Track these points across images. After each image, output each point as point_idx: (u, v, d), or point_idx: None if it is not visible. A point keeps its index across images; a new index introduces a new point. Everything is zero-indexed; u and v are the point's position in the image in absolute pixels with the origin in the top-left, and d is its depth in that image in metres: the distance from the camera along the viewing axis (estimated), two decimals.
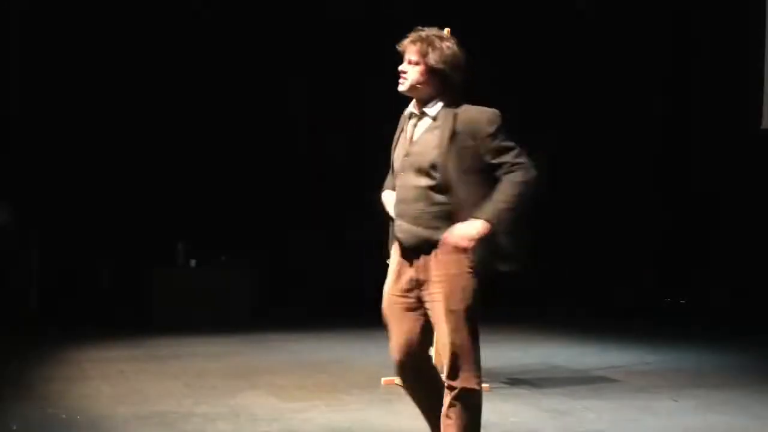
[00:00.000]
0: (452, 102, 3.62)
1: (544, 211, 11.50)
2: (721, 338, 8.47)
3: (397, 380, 6.08)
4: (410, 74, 3.62)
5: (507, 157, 3.55)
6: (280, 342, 7.94)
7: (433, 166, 3.54)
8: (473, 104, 3.66)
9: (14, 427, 4.75)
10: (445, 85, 3.62)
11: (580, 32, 11.21)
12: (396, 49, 3.70)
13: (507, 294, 10.72)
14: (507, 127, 3.60)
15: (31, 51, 9.45)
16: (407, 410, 5.36)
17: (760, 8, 9.22)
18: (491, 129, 3.55)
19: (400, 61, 3.68)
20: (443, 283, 3.57)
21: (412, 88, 3.64)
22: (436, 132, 3.59)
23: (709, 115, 10.62)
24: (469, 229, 3.46)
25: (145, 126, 9.75)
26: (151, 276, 9.24)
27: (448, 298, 3.58)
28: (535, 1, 11.11)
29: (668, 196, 11.24)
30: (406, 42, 3.66)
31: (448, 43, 3.64)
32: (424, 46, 3.60)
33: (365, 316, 9.44)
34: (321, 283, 10.48)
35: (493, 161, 3.56)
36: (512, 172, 3.51)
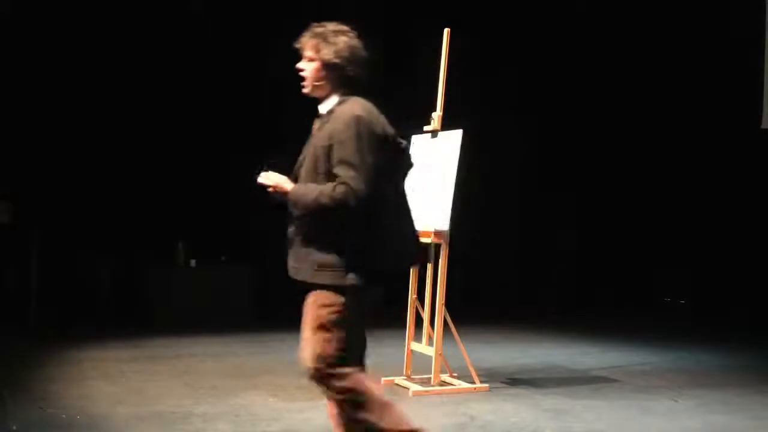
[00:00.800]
0: (346, 98, 3.49)
1: (544, 210, 11.58)
2: (721, 338, 8.48)
3: (397, 380, 6.10)
4: (307, 72, 3.52)
5: (341, 171, 3.33)
6: (280, 342, 7.94)
7: None
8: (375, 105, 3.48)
9: (14, 428, 4.75)
10: (342, 80, 3.49)
11: (578, 32, 11.21)
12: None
13: (507, 294, 10.82)
14: (374, 135, 3.40)
15: (30, 51, 9.44)
16: (407, 410, 5.35)
17: (760, 8, 9.23)
18: (343, 135, 3.36)
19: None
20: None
21: (313, 87, 3.53)
22: (319, 134, 3.48)
23: (709, 115, 10.61)
24: (284, 184, 3.46)
25: (145, 126, 9.76)
26: (151, 276, 9.25)
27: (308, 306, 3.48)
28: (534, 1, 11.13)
29: (668, 196, 11.23)
30: (303, 39, 3.54)
31: (344, 37, 3.50)
32: (318, 41, 3.49)
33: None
34: None
35: (333, 170, 3.36)
36: (336, 186, 3.30)
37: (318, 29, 3.52)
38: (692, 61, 10.74)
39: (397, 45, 10.33)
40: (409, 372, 6.15)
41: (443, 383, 5.98)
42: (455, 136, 5.93)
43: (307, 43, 3.52)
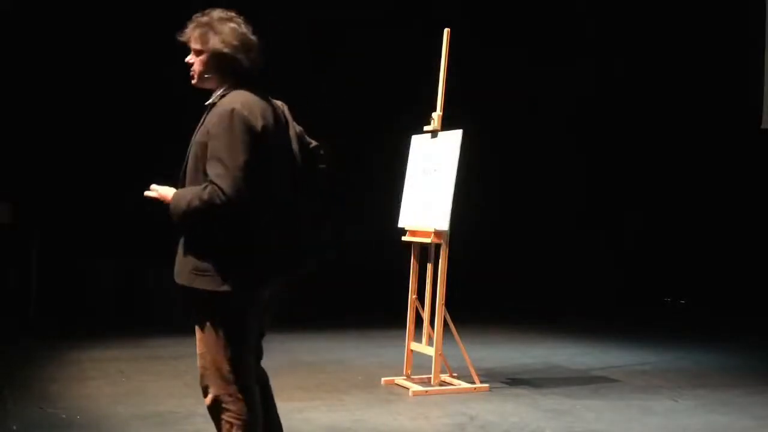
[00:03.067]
0: (231, 90, 3.22)
1: (543, 211, 11.58)
2: (721, 338, 8.48)
3: (397, 380, 6.10)
4: (195, 66, 3.26)
5: (210, 168, 3.06)
6: (280, 342, 7.94)
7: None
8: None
9: (14, 428, 4.75)
10: (232, 70, 3.23)
11: (578, 32, 11.22)
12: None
13: (507, 294, 10.82)
14: (250, 132, 3.10)
15: (29, 51, 9.45)
16: (407, 410, 5.37)
17: (760, 8, 9.23)
18: (215, 129, 3.08)
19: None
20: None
21: (202, 80, 3.27)
22: (199, 129, 3.23)
23: (709, 115, 10.62)
24: (167, 193, 3.26)
25: (144, 126, 9.75)
26: (151, 276, 9.24)
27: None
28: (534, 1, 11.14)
29: (668, 196, 11.24)
30: (187, 30, 3.26)
31: (231, 24, 3.23)
32: (205, 30, 3.22)
33: (365, 316, 9.51)
34: (320, 283, 10.47)
35: (206, 168, 3.10)
36: (205, 186, 3.05)
37: (203, 18, 3.24)
38: (692, 62, 10.75)
39: (397, 44, 10.35)
40: (409, 372, 6.15)
41: (443, 383, 5.98)
42: (455, 136, 5.93)
43: (192, 35, 3.24)
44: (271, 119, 3.22)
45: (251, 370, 3.24)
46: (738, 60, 10.06)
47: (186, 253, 3.28)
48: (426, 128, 6.20)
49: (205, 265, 3.18)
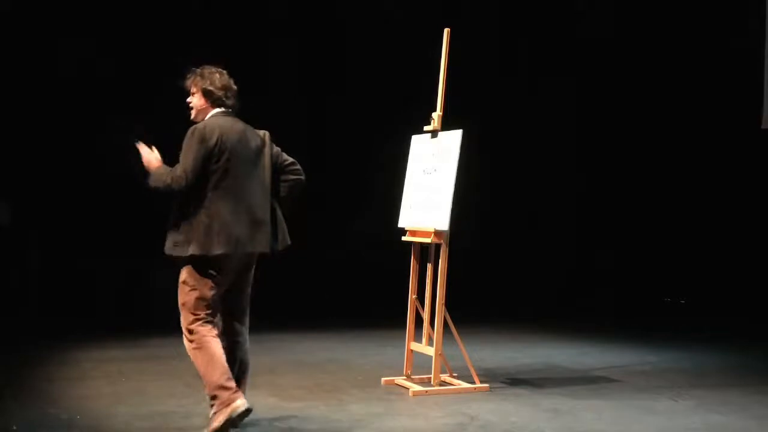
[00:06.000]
0: (215, 117, 4.61)
1: (542, 210, 11.58)
2: (721, 338, 8.48)
3: (397, 380, 6.10)
4: (193, 102, 4.68)
5: (180, 164, 4.48)
6: (280, 342, 7.94)
7: None
8: None
9: (14, 428, 4.75)
10: (216, 103, 4.63)
11: (578, 32, 11.22)
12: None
13: (507, 295, 10.82)
14: (202, 143, 4.45)
15: (28, 50, 9.45)
16: (407, 410, 5.37)
17: (760, 8, 9.23)
18: (185, 139, 4.50)
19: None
20: None
21: (198, 113, 4.67)
22: None
23: (709, 115, 10.61)
24: (152, 162, 4.64)
25: (144, 125, 9.73)
26: (151, 276, 9.23)
27: None
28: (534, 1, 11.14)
29: (668, 196, 11.24)
30: (187, 80, 4.67)
31: (218, 74, 4.65)
32: (197, 78, 4.64)
33: (365, 316, 9.51)
34: (320, 283, 10.48)
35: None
36: (171, 174, 4.45)
37: (198, 71, 4.65)
38: (693, 62, 10.74)
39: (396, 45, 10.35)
40: (409, 372, 6.15)
41: (443, 383, 5.98)
42: (455, 136, 5.93)
43: (190, 82, 4.66)
44: (233, 139, 4.51)
45: (207, 315, 4.57)
46: (738, 60, 10.05)
47: (168, 229, 4.55)
48: (426, 128, 6.19)
49: (177, 237, 4.49)
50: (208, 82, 4.57)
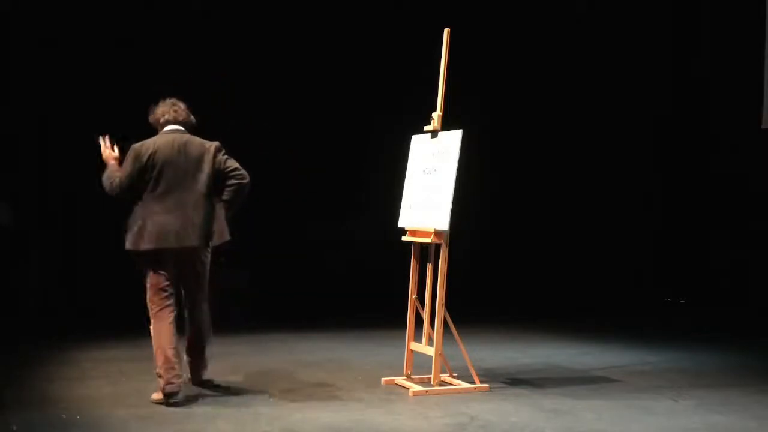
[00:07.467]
0: (161, 134, 5.60)
1: (542, 210, 11.58)
2: (721, 338, 8.48)
3: (397, 380, 6.10)
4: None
5: (120, 174, 5.46)
6: (280, 342, 7.94)
7: None
8: None
9: (14, 427, 4.75)
10: (160, 126, 5.63)
11: (581, 32, 11.23)
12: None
13: (507, 294, 10.83)
14: (137, 157, 5.36)
15: (26, 52, 9.45)
16: (407, 410, 5.37)
17: (760, 8, 9.24)
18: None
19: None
20: None
21: (157, 129, 5.64)
22: None
23: (709, 115, 10.62)
24: (109, 160, 5.60)
25: (144, 124, 9.74)
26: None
27: None
28: (535, 1, 11.14)
29: (667, 196, 11.24)
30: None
31: (160, 106, 5.63)
32: (153, 109, 5.67)
33: (365, 316, 9.51)
34: (320, 283, 10.49)
35: None
36: (116, 177, 5.46)
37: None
38: (692, 62, 10.75)
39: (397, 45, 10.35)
40: (409, 372, 6.15)
41: (443, 383, 5.98)
42: (455, 136, 5.93)
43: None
44: (166, 153, 5.38)
45: (161, 301, 5.44)
46: (738, 60, 10.06)
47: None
48: (426, 128, 6.19)
49: (128, 234, 5.36)
50: (151, 115, 5.61)
